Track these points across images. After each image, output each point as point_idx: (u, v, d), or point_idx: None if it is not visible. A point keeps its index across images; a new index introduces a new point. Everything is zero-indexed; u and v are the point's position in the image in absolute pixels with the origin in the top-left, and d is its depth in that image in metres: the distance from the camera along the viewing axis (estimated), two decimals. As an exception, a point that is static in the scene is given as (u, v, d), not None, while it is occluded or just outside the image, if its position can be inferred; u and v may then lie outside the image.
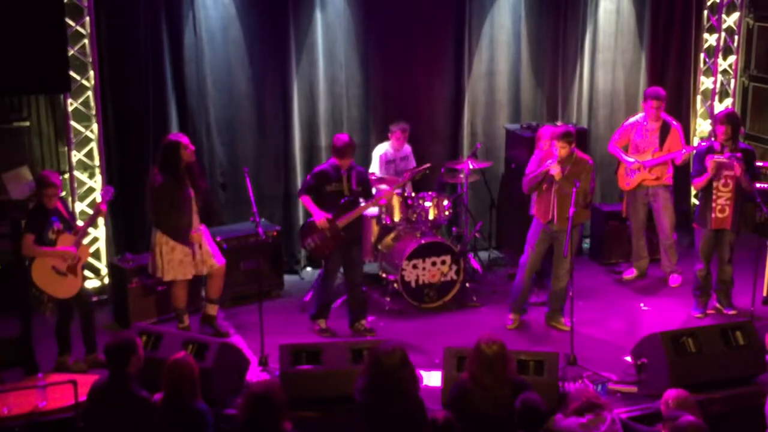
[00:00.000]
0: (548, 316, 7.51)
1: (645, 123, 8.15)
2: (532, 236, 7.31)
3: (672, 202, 8.27)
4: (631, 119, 8.37)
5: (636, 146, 8.20)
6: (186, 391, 5.03)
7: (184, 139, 6.99)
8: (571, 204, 6.82)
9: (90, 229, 7.15)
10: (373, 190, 7.63)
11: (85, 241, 6.91)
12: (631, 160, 8.18)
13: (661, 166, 8.11)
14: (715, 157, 7.24)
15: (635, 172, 8.17)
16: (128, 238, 8.16)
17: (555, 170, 6.98)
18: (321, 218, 7.17)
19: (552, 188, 7.07)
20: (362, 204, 7.28)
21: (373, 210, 8.07)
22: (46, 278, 6.58)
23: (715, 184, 7.32)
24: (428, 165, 8.00)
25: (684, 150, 8.01)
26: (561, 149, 7.00)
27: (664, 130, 8.09)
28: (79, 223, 6.96)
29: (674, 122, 8.23)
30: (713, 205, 7.35)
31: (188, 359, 5.16)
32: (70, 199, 7.69)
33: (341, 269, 7.49)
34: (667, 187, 8.20)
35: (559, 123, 8.84)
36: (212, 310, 7.34)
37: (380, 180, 8.05)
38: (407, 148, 8.52)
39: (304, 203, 7.39)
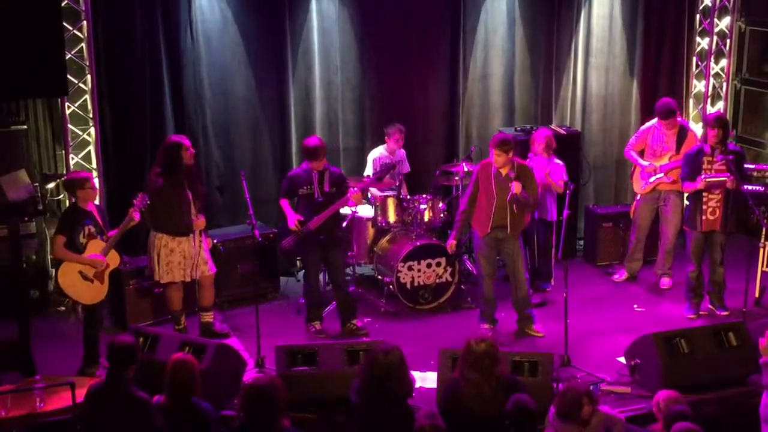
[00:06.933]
0: (519, 324, 7.42)
1: (661, 128, 8.15)
2: (478, 248, 7.31)
3: (681, 208, 8.21)
4: (648, 124, 8.35)
5: (653, 151, 8.19)
6: (189, 390, 5.07)
7: (186, 141, 7.01)
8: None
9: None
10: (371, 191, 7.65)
11: None
12: (646, 163, 8.19)
13: (678, 170, 8.02)
14: (706, 176, 7.30)
15: (650, 175, 8.18)
16: (125, 241, 8.08)
17: (516, 188, 6.94)
18: (292, 221, 7.23)
19: (493, 202, 7.04)
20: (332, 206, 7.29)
21: (368, 212, 8.12)
22: (72, 283, 6.54)
23: (705, 186, 7.40)
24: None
25: None
26: (497, 157, 6.93)
27: (681, 134, 8.07)
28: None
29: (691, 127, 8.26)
30: (703, 207, 7.40)
31: (189, 358, 5.20)
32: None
33: (323, 272, 7.51)
34: (679, 193, 8.13)
35: (554, 126, 8.91)
36: (209, 317, 7.35)
37: (375, 183, 8.04)
38: (401, 153, 8.53)
39: (281, 206, 7.44)
